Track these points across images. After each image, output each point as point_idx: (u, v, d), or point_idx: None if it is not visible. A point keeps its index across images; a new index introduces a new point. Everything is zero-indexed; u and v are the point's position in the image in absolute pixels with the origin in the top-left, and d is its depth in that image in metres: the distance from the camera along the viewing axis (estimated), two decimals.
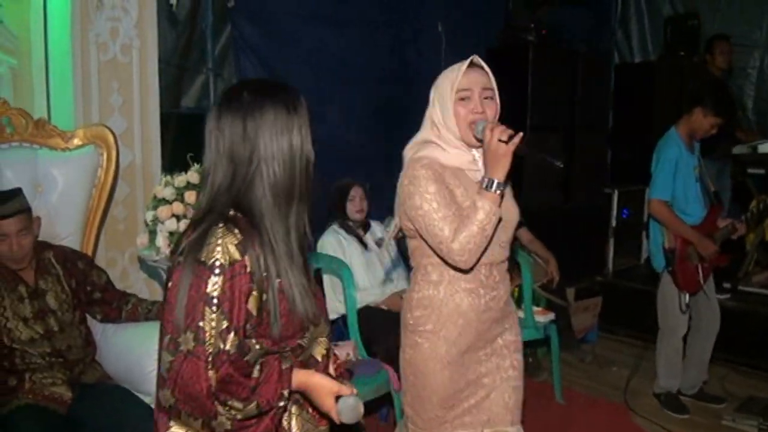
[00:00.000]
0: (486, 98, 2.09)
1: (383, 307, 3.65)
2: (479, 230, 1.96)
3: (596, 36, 6.76)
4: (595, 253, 5.63)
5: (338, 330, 3.67)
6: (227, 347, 1.48)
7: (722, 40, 5.47)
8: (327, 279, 3.67)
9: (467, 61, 2.10)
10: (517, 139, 1.93)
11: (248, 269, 1.50)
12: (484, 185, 1.98)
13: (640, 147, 5.74)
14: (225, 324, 1.47)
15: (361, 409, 1.61)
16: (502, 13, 5.77)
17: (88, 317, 2.88)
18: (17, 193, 2.67)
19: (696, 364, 4.01)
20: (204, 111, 4.43)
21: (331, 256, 3.62)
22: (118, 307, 2.87)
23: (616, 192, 5.66)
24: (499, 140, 1.94)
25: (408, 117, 5.36)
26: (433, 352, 2.13)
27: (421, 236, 2.09)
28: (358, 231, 3.82)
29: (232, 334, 1.48)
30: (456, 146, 2.12)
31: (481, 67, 2.11)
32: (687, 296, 3.79)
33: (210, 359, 1.46)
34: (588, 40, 6.43)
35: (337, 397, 1.60)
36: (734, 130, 5.21)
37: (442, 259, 2.07)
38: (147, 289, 3.55)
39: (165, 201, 2.99)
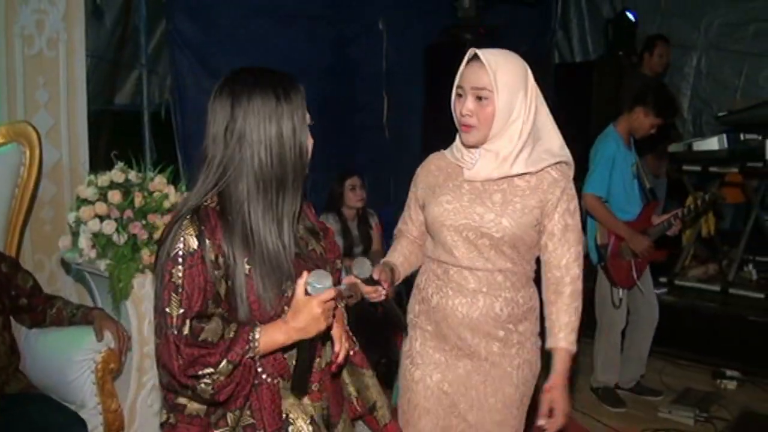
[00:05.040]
0: (480, 98, 1.96)
1: None
2: None
3: (537, 36, 6.83)
4: None
5: None
6: (185, 332, 1.55)
7: (663, 42, 5.51)
8: None
9: (468, 55, 1.98)
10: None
11: (205, 259, 1.56)
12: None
13: (578, 144, 5.78)
14: (181, 310, 1.55)
15: (323, 272, 1.60)
16: (443, 11, 5.77)
17: (15, 325, 2.76)
18: None
19: (634, 359, 4.06)
20: (138, 108, 4.33)
21: None
22: (44, 311, 2.76)
23: None
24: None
25: (350, 114, 5.41)
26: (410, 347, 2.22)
27: None
28: None
29: (187, 321, 1.55)
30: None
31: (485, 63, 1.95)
32: (621, 291, 3.85)
33: (174, 341, 1.54)
34: (529, 40, 6.48)
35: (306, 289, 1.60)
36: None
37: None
38: (76, 293, 3.43)
39: (88, 201, 2.88)
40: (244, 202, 1.60)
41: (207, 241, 1.57)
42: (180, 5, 4.38)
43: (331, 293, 1.59)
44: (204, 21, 4.50)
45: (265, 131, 1.58)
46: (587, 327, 4.01)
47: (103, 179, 2.91)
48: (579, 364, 4.21)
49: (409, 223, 2.24)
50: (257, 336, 1.58)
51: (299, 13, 4.92)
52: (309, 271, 1.61)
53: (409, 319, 2.21)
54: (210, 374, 1.54)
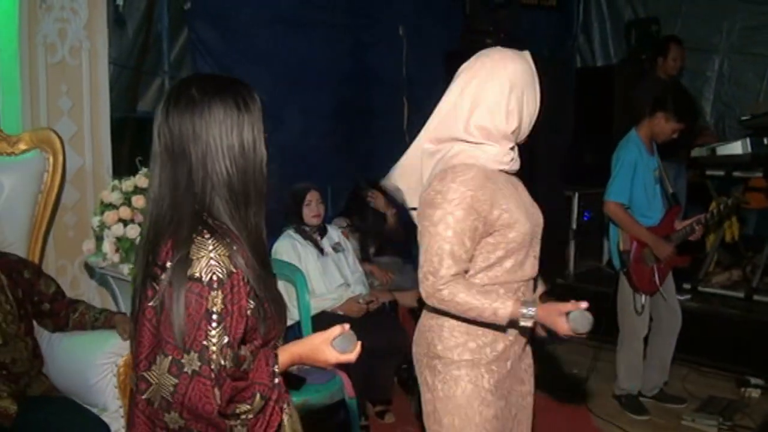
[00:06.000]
0: None
1: (340, 312, 3.61)
2: (470, 309, 1.85)
3: (558, 40, 6.81)
4: (556, 255, 5.63)
5: (293, 336, 3.62)
6: (226, 362, 1.42)
7: (676, 44, 5.46)
8: (281, 285, 3.59)
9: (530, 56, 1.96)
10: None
11: (245, 279, 1.46)
12: (525, 311, 1.86)
13: (600, 149, 5.80)
14: (225, 339, 1.42)
15: (353, 334, 1.58)
16: (464, 17, 5.77)
17: (38, 328, 2.79)
18: None
19: (657, 366, 4.02)
20: None
21: (285, 261, 3.56)
22: (66, 315, 2.79)
23: (577, 194, 5.67)
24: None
25: (368, 120, 5.42)
26: (476, 387, 1.97)
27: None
28: (314, 236, 3.77)
29: (230, 349, 1.43)
30: (501, 143, 1.94)
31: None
32: (643, 297, 3.81)
33: (214, 377, 1.40)
34: (550, 45, 6.47)
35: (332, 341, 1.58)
36: (697, 137, 5.25)
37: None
38: (99, 297, 3.47)
39: (112, 206, 2.91)
40: (230, 220, 1.50)
41: (242, 261, 1.46)
42: (202, 13, 4.43)
43: (352, 357, 1.57)
44: (225, 28, 4.55)
45: (228, 143, 1.49)
46: (610, 334, 4.03)
47: (128, 184, 2.95)
48: (599, 370, 4.19)
49: (467, 261, 1.93)
50: (277, 365, 1.52)
51: (319, 20, 4.95)
52: None
53: (466, 359, 1.99)
54: (246, 412, 1.45)
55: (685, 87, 5.44)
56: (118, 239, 2.88)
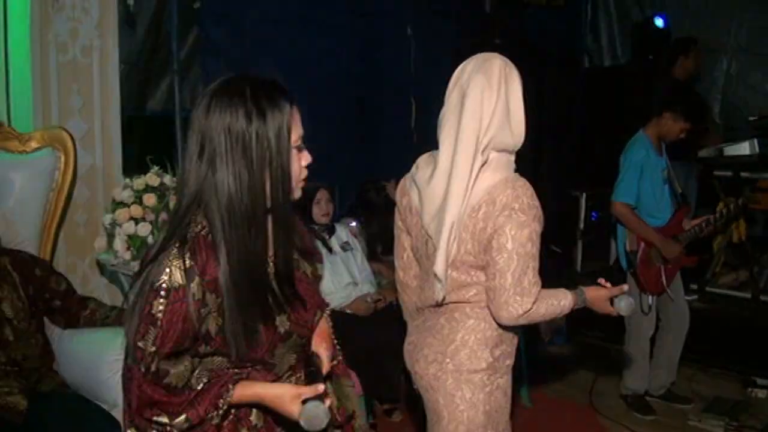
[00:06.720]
0: None
1: (348, 311, 3.63)
2: (547, 315, 1.90)
3: (567, 40, 6.80)
4: (563, 255, 5.64)
5: None
6: (152, 369, 1.47)
7: (695, 45, 5.46)
8: None
9: None
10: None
11: (194, 296, 1.44)
12: (579, 297, 1.96)
13: (609, 149, 5.79)
14: (153, 348, 1.46)
15: (324, 417, 1.47)
16: (471, 17, 5.78)
17: (49, 325, 2.81)
18: None
19: (664, 366, 4.02)
20: (170, 114, 4.39)
21: None
22: (77, 312, 2.81)
23: (584, 194, 5.68)
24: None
25: (377, 119, 5.43)
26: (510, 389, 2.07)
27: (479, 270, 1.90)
28: (323, 234, 3.79)
29: (156, 359, 1.47)
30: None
31: None
32: (651, 297, 3.81)
33: (141, 377, 1.47)
34: (558, 45, 6.46)
35: (305, 401, 1.48)
36: (701, 139, 5.25)
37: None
38: (108, 295, 3.49)
39: (124, 204, 2.94)
40: (221, 234, 1.45)
41: (196, 278, 1.44)
42: (211, 13, 4.44)
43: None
44: (235, 28, 4.55)
45: (231, 156, 1.42)
46: (616, 333, 4.04)
47: (139, 182, 2.98)
48: (607, 370, 4.20)
49: None
50: (228, 400, 1.50)
51: (325, 20, 4.95)
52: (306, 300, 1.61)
53: (507, 364, 2.05)
54: (163, 424, 1.48)
55: (694, 87, 5.44)
56: (130, 237, 2.91)
